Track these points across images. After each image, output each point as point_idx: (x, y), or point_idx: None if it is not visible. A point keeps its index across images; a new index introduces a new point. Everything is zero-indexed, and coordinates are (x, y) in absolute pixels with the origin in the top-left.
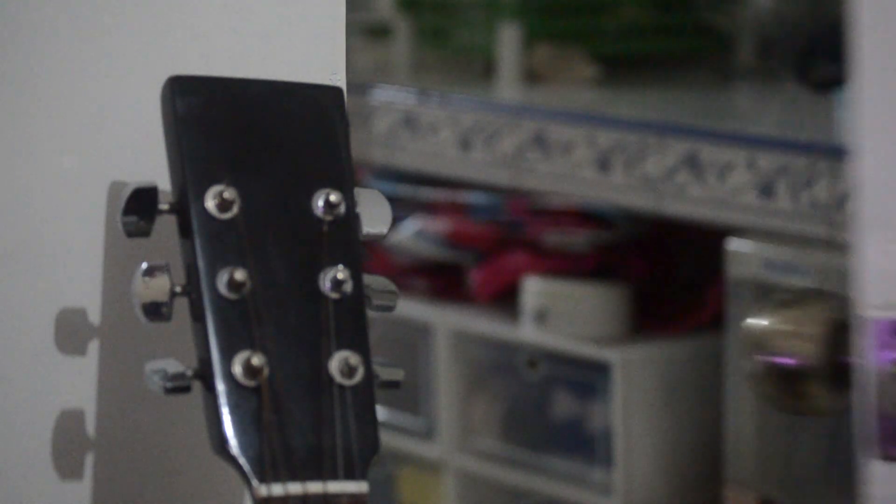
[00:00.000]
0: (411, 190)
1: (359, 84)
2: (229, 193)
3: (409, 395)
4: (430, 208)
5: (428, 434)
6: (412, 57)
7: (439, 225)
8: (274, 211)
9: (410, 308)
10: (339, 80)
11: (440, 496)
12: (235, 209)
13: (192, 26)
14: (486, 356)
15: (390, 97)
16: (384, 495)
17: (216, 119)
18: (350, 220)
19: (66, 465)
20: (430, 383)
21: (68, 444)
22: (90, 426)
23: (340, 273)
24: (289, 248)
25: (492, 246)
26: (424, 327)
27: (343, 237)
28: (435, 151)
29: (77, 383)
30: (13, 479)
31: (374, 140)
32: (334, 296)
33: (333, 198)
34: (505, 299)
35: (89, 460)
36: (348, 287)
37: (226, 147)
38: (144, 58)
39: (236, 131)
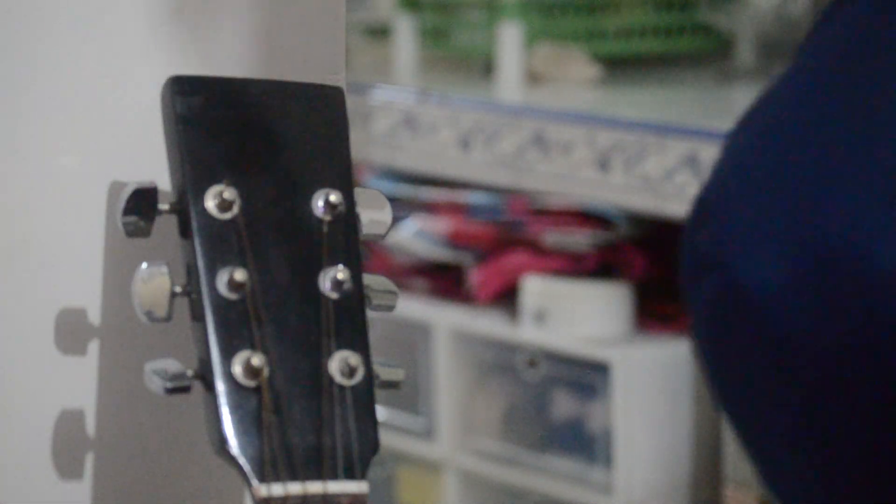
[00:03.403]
0: (411, 190)
1: (359, 84)
2: (229, 193)
3: (409, 395)
4: (430, 208)
5: (428, 434)
6: (412, 57)
7: (439, 225)
8: (274, 211)
9: (410, 308)
10: (339, 80)
11: (440, 496)
12: (235, 209)
13: (192, 26)
14: (486, 356)
15: (390, 97)
16: (384, 495)
17: (216, 119)
18: (350, 220)
19: (66, 465)
20: (430, 383)
21: (68, 444)
22: (90, 426)
23: (340, 273)
24: (289, 248)
25: (492, 246)
26: (424, 327)
27: (343, 237)
28: (435, 151)
29: (77, 383)
30: (13, 478)
31: (374, 140)
32: (334, 296)
33: (333, 198)
34: (505, 299)
35: (89, 460)
36: (348, 287)
37: (226, 147)
38: (144, 58)
39: (236, 131)
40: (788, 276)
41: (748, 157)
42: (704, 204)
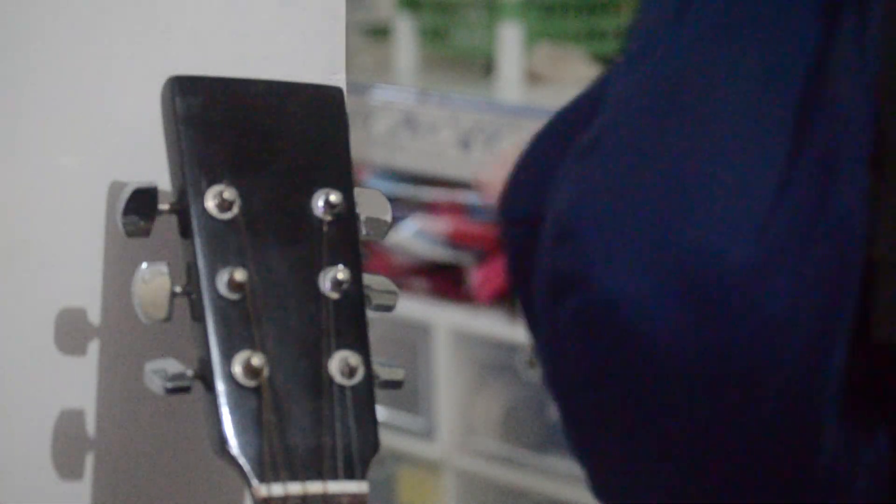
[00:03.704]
0: (411, 190)
1: (359, 84)
2: (229, 193)
3: (409, 395)
4: (430, 208)
5: (428, 434)
6: (412, 57)
7: (439, 225)
8: (274, 211)
9: (410, 308)
10: (339, 80)
11: (440, 496)
12: (235, 209)
13: (192, 26)
14: (486, 356)
15: (390, 97)
16: (384, 495)
17: (216, 119)
18: (350, 220)
19: (66, 465)
20: (430, 383)
21: (68, 444)
22: (90, 426)
23: (340, 273)
24: (289, 248)
25: (492, 246)
26: (424, 327)
27: (343, 237)
28: (435, 151)
29: (77, 383)
30: (13, 478)
31: (374, 140)
32: (334, 296)
33: (333, 198)
34: (505, 299)
35: (89, 460)
36: (348, 287)
37: (226, 147)
38: (144, 58)
39: (236, 131)
40: (651, 284)
41: (600, 173)
42: (561, 224)
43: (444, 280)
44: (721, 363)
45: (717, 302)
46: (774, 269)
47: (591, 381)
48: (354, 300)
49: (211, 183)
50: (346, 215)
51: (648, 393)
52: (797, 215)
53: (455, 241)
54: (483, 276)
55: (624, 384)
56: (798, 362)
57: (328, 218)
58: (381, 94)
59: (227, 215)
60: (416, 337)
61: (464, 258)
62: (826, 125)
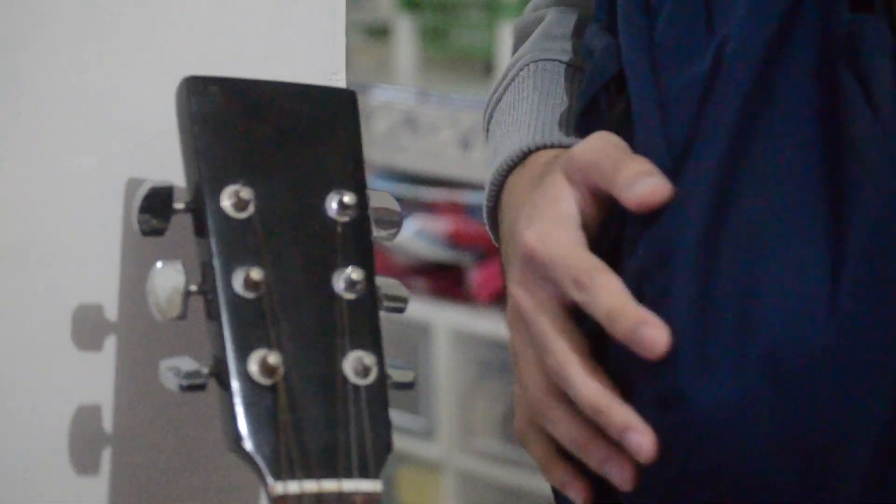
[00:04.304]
0: (411, 190)
1: (359, 84)
2: (245, 193)
3: (409, 395)
4: (430, 208)
5: (428, 434)
6: (412, 57)
7: (439, 225)
8: (289, 211)
9: (410, 308)
10: (339, 80)
11: (440, 496)
12: (251, 209)
13: (192, 26)
14: (486, 356)
15: (390, 97)
16: (384, 495)
17: (231, 119)
18: (363, 221)
19: (83, 461)
20: (430, 383)
21: (85, 440)
22: (107, 422)
23: (355, 274)
24: (304, 248)
25: (492, 246)
26: (424, 327)
27: (356, 238)
28: (435, 151)
29: (94, 380)
30: (31, 474)
31: (374, 140)
32: (348, 296)
33: (347, 199)
34: (505, 299)
35: (106, 456)
36: (362, 288)
37: (241, 147)
38: (158, 57)
39: (251, 132)
40: (741, 388)
41: (677, 292)
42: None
43: (444, 280)
44: (813, 443)
45: (802, 387)
46: (849, 343)
47: (697, 486)
48: (368, 301)
49: (226, 182)
50: (359, 216)
51: (752, 489)
52: (859, 289)
53: (455, 241)
54: (483, 276)
55: (730, 485)
56: (886, 424)
57: (342, 219)
58: (381, 94)
59: (243, 215)
60: (416, 337)
61: (464, 258)
62: (866, 201)
